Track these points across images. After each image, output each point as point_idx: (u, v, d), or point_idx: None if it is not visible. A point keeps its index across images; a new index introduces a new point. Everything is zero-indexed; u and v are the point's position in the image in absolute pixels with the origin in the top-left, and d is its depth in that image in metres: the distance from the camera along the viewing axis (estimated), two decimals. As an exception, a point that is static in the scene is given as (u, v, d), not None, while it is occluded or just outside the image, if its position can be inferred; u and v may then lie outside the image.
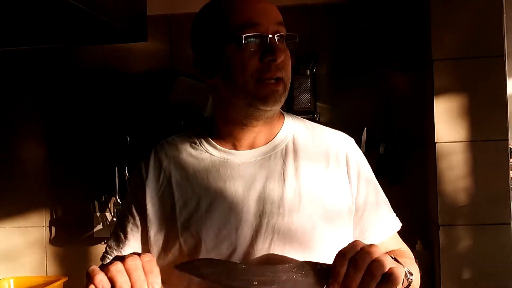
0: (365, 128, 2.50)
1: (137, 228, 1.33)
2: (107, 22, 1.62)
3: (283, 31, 1.22)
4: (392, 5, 2.63)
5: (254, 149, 1.29)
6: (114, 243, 1.36)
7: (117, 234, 1.36)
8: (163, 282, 1.34)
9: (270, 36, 1.19)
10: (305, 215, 1.23)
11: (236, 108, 1.24)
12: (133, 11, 1.84)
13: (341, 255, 1.03)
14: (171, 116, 2.64)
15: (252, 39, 1.18)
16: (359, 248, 1.03)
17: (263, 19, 1.19)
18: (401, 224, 1.38)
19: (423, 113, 2.56)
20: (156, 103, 2.71)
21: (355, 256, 1.02)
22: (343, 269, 1.01)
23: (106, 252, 1.38)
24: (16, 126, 2.93)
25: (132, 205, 1.34)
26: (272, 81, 1.20)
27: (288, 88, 1.24)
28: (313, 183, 1.27)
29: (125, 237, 1.34)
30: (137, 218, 1.33)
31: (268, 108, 1.22)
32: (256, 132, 1.28)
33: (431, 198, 2.42)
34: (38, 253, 2.91)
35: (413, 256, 1.36)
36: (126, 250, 1.33)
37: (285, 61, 1.21)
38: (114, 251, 1.35)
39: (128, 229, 1.34)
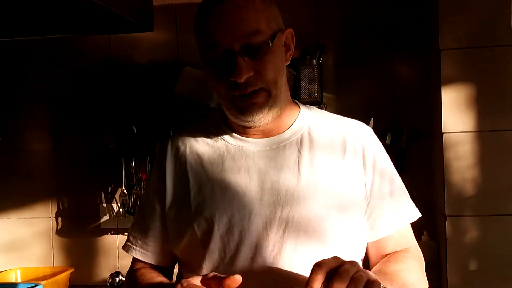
0: (372, 118, 2.49)
1: (158, 215, 1.35)
2: (113, 12, 1.61)
3: (257, 40, 1.17)
4: (399, -6, 2.62)
5: (270, 138, 1.30)
6: (138, 232, 1.38)
7: (140, 223, 1.38)
8: (180, 263, 1.35)
9: (233, 53, 1.16)
10: (319, 205, 1.24)
11: (231, 117, 1.28)
12: (139, 0, 1.83)
13: (317, 265, 1.00)
14: (177, 107, 2.64)
15: (216, 60, 1.19)
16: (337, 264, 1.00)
17: (225, 37, 1.17)
18: (418, 215, 1.37)
19: (430, 103, 2.55)
20: (162, 93, 2.71)
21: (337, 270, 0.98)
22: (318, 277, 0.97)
23: (129, 241, 1.40)
24: (22, 118, 2.94)
25: (152, 193, 1.37)
26: (246, 95, 1.20)
27: (276, 93, 1.23)
28: (329, 173, 1.27)
29: (148, 227, 1.36)
30: (157, 205, 1.35)
31: (251, 120, 1.23)
32: (266, 125, 1.28)
33: (438, 188, 2.41)
34: (44, 244, 2.93)
35: (418, 257, 1.34)
36: (150, 240, 1.35)
37: (261, 72, 1.19)
38: (139, 241, 1.37)
39: (150, 217, 1.36)
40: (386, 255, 1.33)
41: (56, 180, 2.91)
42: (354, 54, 2.67)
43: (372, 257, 1.36)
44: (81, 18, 1.84)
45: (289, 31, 1.28)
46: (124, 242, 1.42)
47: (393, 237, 1.33)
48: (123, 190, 2.76)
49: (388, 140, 2.56)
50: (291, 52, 1.28)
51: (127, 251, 1.39)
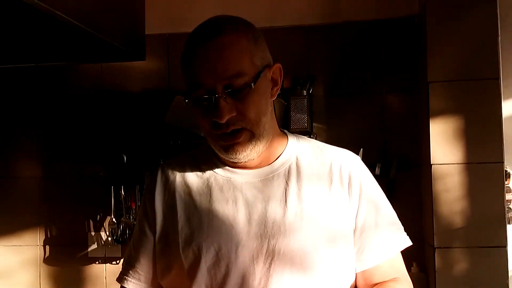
0: (361, 149, 2.50)
1: (150, 244, 1.34)
2: (105, 41, 1.62)
3: (239, 82, 1.18)
4: (388, 27, 2.65)
5: (258, 169, 1.30)
6: (130, 263, 1.38)
7: (132, 253, 1.38)
8: None
9: (216, 94, 1.18)
10: (306, 237, 1.23)
11: (216, 151, 1.29)
12: (132, 29, 1.84)
13: None
14: (167, 135, 2.64)
15: (199, 99, 1.21)
16: None
17: (208, 78, 1.18)
18: (408, 243, 1.36)
19: (418, 135, 2.57)
20: (152, 122, 2.71)
21: None
22: None
23: (122, 272, 1.39)
24: (12, 145, 2.93)
25: (142, 223, 1.36)
26: (228, 135, 1.22)
27: (259, 132, 1.24)
28: (316, 204, 1.27)
29: (139, 256, 1.35)
30: (148, 234, 1.34)
31: (235, 158, 1.25)
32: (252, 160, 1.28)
33: (427, 220, 2.42)
34: (32, 272, 2.89)
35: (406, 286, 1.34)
36: (142, 270, 1.35)
37: (243, 112, 1.20)
38: (131, 272, 1.37)
39: (141, 247, 1.35)
40: (374, 285, 1.33)
41: (45, 208, 2.89)
42: (344, 84, 2.69)
43: (360, 286, 1.35)
44: (73, 46, 1.85)
45: (277, 66, 1.28)
46: (113, 271, 1.41)
47: (381, 267, 1.32)
48: (112, 219, 2.74)
49: (377, 171, 2.56)
50: (278, 87, 1.28)
51: (120, 282, 1.39)
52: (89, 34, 1.53)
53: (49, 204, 2.89)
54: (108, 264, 2.81)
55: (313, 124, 2.66)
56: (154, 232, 1.33)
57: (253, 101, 1.20)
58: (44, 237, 2.89)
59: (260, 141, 1.24)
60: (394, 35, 2.65)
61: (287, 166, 1.31)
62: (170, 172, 1.36)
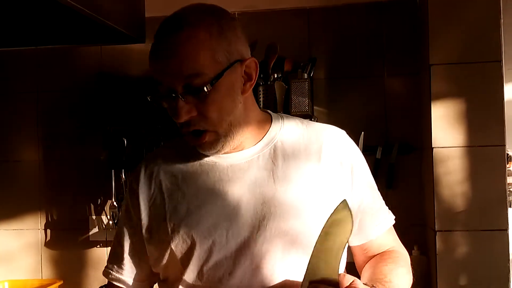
0: (362, 132, 2.50)
1: (131, 240, 1.34)
2: (105, 23, 1.61)
3: (197, 82, 1.13)
4: (390, 9, 2.64)
5: (242, 151, 1.28)
6: (113, 258, 1.38)
7: (115, 249, 1.38)
8: (161, 282, 1.35)
9: (174, 94, 1.15)
10: (298, 215, 1.23)
11: None
12: (132, 12, 1.83)
13: None
14: (168, 118, 2.63)
15: (162, 96, 1.20)
16: None
17: (165, 77, 1.15)
18: (394, 217, 1.39)
19: (420, 118, 2.56)
20: (153, 105, 2.70)
21: None
22: None
23: (106, 266, 1.39)
24: (12, 128, 2.92)
25: (124, 219, 1.36)
26: (192, 135, 1.21)
27: (225, 131, 1.20)
28: (304, 182, 1.25)
29: (122, 252, 1.35)
30: (130, 230, 1.34)
31: (208, 153, 1.25)
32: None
33: (428, 203, 2.42)
34: (33, 256, 2.90)
35: (403, 257, 1.36)
36: (124, 265, 1.35)
37: (204, 113, 1.17)
38: (115, 266, 1.37)
39: (123, 242, 1.35)
40: (372, 256, 1.35)
41: (46, 192, 2.90)
42: (346, 68, 2.68)
43: (358, 259, 1.38)
44: (73, 29, 1.84)
45: (252, 60, 1.21)
46: None
47: (378, 238, 1.34)
48: (113, 202, 2.75)
49: (378, 154, 2.57)
50: (252, 82, 1.22)
51: (105, 276, 1.39)
52: (89, 16, 1.52)
53: (50, 188, 2.89)
54: (109, 248, 2.82)
55: (314, 107, 2.65)
56: (137, 228, 1.31)
57: (214, 101, 1.16)
58: (45, 221, 2.89)
59: (228, 137, 1.22)
60: (396, 18, 2.64)
61: (271, 145, 1.28)
62: (153, 165, 1.34)
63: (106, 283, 1.42)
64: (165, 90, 1.17)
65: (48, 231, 2.90)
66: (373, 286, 1.16)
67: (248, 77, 1.22)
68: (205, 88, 1.13)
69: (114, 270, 1.36)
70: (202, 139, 1.20)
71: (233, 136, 1.22)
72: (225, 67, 1.16)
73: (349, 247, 1.37)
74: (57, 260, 2.90)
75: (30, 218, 2.91)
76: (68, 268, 2.88)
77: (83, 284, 2.85)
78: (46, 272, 2.90)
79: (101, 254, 2.84)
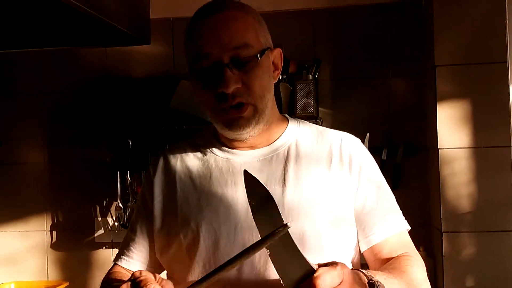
0: (367, 134, 2.49)
1: (144, 227, 1.37)
2: (110, 25, 1.62)
3: (246, 53, 1.21)
4: (394, 10, 2.63)
5: (257, 150, 1.32)
6: (125, 244, 1.41)
7: (128, 235, 1.42)
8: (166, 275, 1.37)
9: (222, 64, 1.20)
10: (305, 217, 1.24)
11: (218, 128, 1.31)
12: (136, 13, 1.84)
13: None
14: (173, 120, 2.64)
15: (204, 71, 1.22)
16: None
17: (214, 48, 1.20)
18: (407, 225, 1.37)
19: (425, 119, 2.55)
20: (158, 107, 2.71)
21: None
22: None
23: (118, 253, 1.42)
24: (17, 130, 2.93)
25: (139, 206, 1.40)
26: (233, 108, 1.23)
27: (263, 108, 1.26)
28: (315, 185, 1.27)
29: (134, 237, 1.38)
30: (143, 218, 1.37)
31: (238, 133, 1.26)
32: (254, 137, 1.30)
33: (434, 204, 2.41)
34: (39, 258, 2.91)
35: (418, 264, 1.34)
36: (135, 249, 1.38)
37: (248, 84, 1.22)
38: (125, 250, 1.40)
39: (136, 229, 1.38)
40: (384, 260, 1.32)
41: (51, 193, 2.90)
42: (350, 69, 2.68)
43: (370, 264, 1.36)
44: (78, 30, 1.85)
45: (278, 50, 1.31)
46: None
47: (388, 241, 1.32)
48: (118, 204, 2.75)
49: (383, 155, 2.56)
50: (279, 71, 1.32)
51: (114, 261, 1.42)
52: (94, 17, 1.52)
53: (55, 190, 2.89)
54: (115, 249, 2.82)
55: (319, 108, 2.65)
56: (150, 216, 1.35)
57: (258, 75, 1.23)
58: (51, 223, 2.90)
59: (262, 117, 1.26)
60: (401, 19, 2.63)
61: (286, 147, 1.32)
62: (171, 157, 1.39)
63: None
64: (211, 63, 1.21)
65: (54, 232, 2.90)
66: (359, 270, 1.12)
67: (275, 66, 1.31)
68: (258, 56, 1.22)
69: (124, 254, 1.39)
70: (242, 111, 1.23)
71: (265, 118, 1.27)
72: (264, 48, 1.25)
73: (361, 254, 1.36)
74: (63, 261, 2.90)
75: (36, 220, 2.91)
76: (74, 270, 2.88)
77: (89, 285, 2.85)
78: (52, 274, 2.90)
79: (107, 255, 2.84)
